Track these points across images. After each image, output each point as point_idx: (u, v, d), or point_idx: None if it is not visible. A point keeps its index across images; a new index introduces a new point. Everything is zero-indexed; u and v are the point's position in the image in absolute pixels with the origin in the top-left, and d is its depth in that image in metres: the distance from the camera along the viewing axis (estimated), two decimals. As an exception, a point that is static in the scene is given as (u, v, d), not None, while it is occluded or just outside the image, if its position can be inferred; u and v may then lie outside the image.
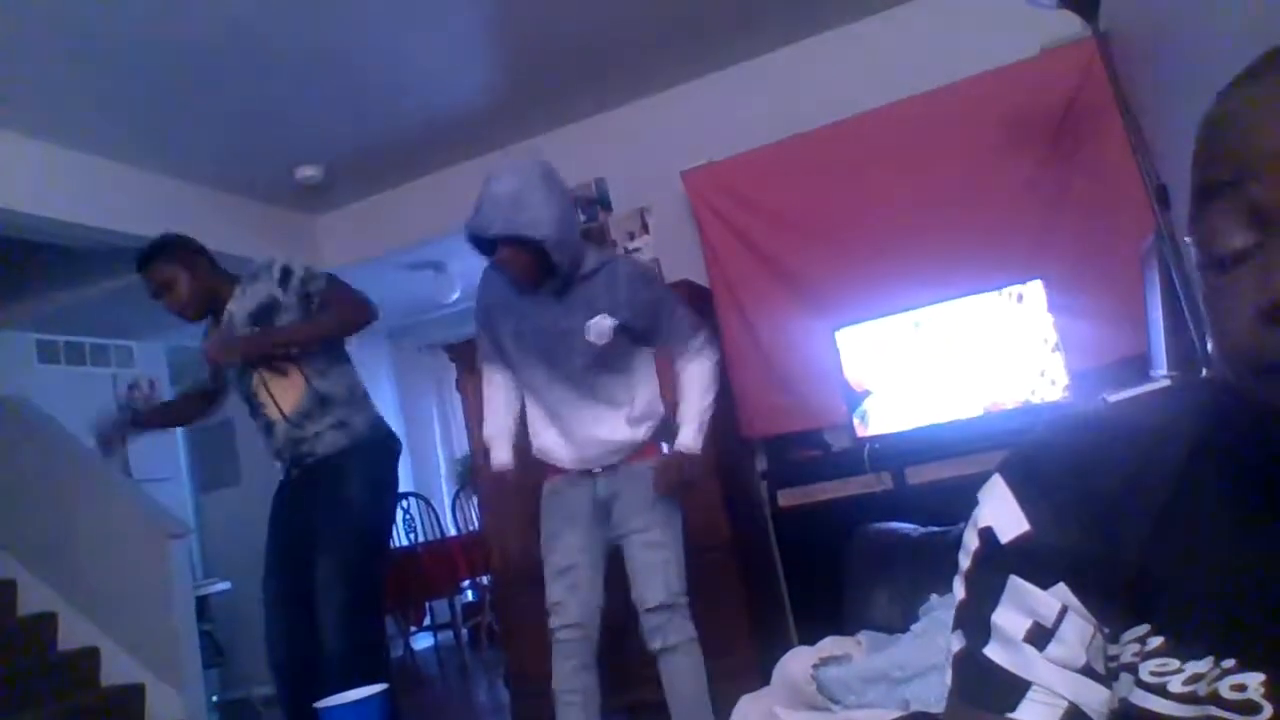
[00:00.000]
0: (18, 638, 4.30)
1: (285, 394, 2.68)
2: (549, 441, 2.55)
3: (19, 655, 4.18)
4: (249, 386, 2.72)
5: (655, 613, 2.41)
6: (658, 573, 2.42)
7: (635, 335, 2.49)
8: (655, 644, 2.42)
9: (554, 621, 2.47)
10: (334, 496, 2.63)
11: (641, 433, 2.52)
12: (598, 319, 2.39)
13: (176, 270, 2.68)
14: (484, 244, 2.41)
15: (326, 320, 2.66)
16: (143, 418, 3.02)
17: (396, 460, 2.84)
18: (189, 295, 2.68)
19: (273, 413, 2.69)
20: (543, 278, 2.39)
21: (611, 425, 2.48)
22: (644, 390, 2.54)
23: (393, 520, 2.94)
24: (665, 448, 2.58)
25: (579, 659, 2.45)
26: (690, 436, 2.47)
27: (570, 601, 2.46)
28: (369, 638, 2.64)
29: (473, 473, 4.94)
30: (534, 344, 2.48)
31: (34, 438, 4.65)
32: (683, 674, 2.42)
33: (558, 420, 2.52)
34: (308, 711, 2.48)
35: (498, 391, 2.61)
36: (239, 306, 2.70)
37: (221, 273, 2.78)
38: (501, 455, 2.56)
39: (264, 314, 2.66)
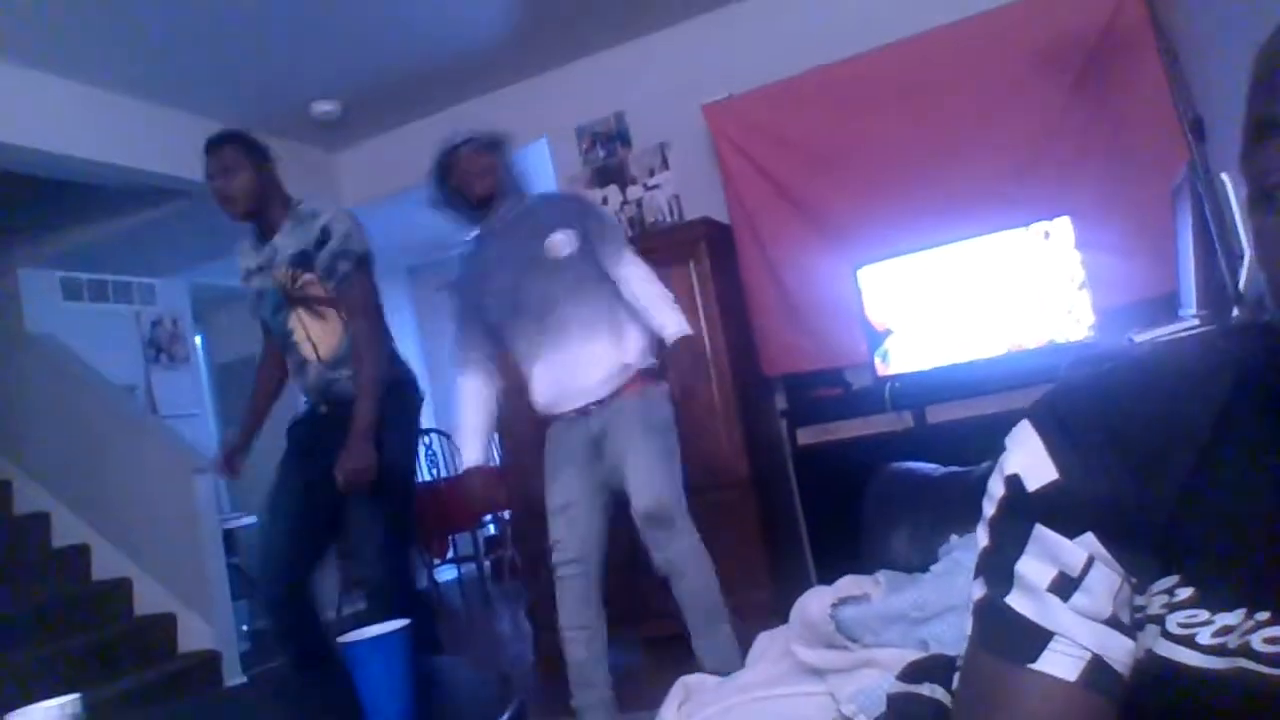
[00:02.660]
0: (54, 568, 4.42)
1: (322, 338, 2.69)
2: (544, 388, 2.64)
3: (56, 584, 4.30)
4: (284, 324, 2.73)
5: (648, 524, 2.45)
6: (643, 476, 2.46)
7: (590, 246, 2.61)
8: (657, 559, 2.47)
9: (554, 558, 2.57)
10: None
11: (631, 355, 2.58)
12: (551, 236, 2.59)
13: (243, 160, 2.66)
14: (443, 185, 2.72)
15: (369, 371, 2.58)
16: (241, 436, 2.92)
17: (420, 405, 2.87)
18: (243, 188, 2.66)
19: (308, 353, 2.71)
20: (492, 198, 2.66)
21: (596, 354, 2.56)
22: (628, 324, 2.61)
23: (417, 459, 2.97)
24: (660, 385, 2.62)
25: (580, 594, 2.53)
26: (677, 322, 2.57)
27: (569, 537, 2.55)
28: (404, 570, 2.71)
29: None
30: (512, 293, 2.62)
31: (62, 375, 4.73)
32: (692, 593, 2.47)
33: (549, 365, 2.60)
34: (304, 644, 2.63)
35: (469, 395, 2.75)
36: (284, 243, 2.69)
37: (279, 190, 2.76)
38: (471, 454, 2.72)
39: (300, 262, 2.66)
